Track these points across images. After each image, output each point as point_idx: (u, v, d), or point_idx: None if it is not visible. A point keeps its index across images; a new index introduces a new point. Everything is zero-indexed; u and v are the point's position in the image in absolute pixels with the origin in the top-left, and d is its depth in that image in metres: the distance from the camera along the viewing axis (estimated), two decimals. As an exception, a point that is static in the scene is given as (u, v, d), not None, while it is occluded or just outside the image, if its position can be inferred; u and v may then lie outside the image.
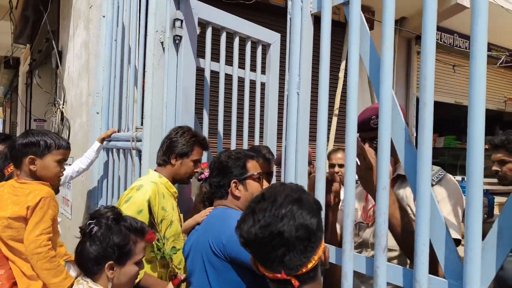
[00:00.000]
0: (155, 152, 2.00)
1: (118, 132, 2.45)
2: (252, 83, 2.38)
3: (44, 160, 1.54)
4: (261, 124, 2.44)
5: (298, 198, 0.76)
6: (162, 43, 2.05)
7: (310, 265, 0.75)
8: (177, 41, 1.98)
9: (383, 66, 0.94)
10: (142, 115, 2.15)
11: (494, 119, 8.82)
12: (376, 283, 0.92)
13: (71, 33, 3.36)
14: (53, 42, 3.67)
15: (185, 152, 1.65)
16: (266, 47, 2.44)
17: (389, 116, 0.93)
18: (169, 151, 1.66)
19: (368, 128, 1.28)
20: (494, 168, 1.87)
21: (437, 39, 5.90)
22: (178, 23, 1.94)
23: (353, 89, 1.01)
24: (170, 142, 1.67)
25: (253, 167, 1.35)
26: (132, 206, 1.50)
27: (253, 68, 2.39)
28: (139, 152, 2.16)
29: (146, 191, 1.54)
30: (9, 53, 6.09)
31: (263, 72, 2.43)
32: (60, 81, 3.65)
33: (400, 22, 5.43)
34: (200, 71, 2.18)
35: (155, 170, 1.72)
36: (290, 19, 1.22)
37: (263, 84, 2.43)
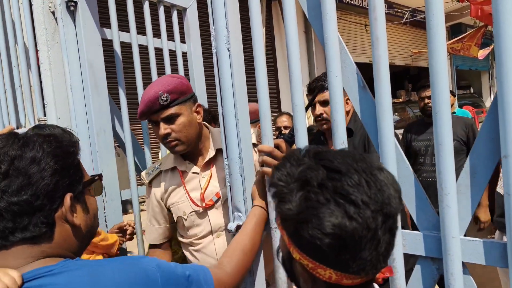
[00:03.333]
0: (66, 145, 1.69)
1: (17, 129, 2.04)
2: (172, 53, 2.12)
3: None
4: (189, 98, 2.21)
5: (379, 166, 0.55)
6: (53, 13, 1.69)
7: None
8: (71, 9, 1.63)
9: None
10: (44, 103, 1.79)
11: (402, 73, 9.62)
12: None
13: None
14: None
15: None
16: (182, 12, 2.17)
17: (338, 59, 0.81)
18: None
19: (158, 108, 1.14)
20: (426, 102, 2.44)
21: (347, 1, 6.07)
22: (69, -14, 1.60)
23: (292, 30, 0.86)
24: None
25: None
26: None
27: (170, 37, 2.12)
28: (46, 149, 1.81)
29: None
30: None
31: (182, 40, 2.17)
32: None
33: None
34: (108, 44, 1.86)
35: None
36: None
37: (184, 54, 2.18)
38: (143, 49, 2.00)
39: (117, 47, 1.83)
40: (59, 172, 0.64)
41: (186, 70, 2.18)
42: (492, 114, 0.68)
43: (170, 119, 1.15)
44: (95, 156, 1.65)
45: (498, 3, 0.62)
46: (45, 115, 1.81)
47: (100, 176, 0.74)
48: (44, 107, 1.79)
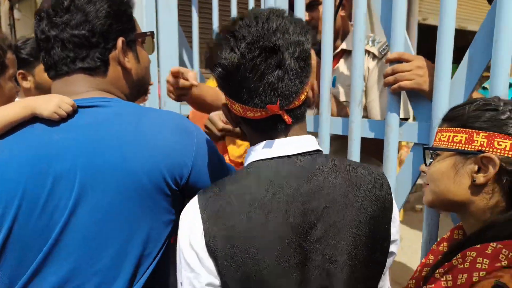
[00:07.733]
0: None
1: None
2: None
3: None
4: None
5: (286, 12, 0.61)
6: None
7: (302, 97, 0.61)
8: None
9: None
10: None
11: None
12: (350, 138, 0.95)
13: None
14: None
15: None
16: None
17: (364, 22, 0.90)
18: None
19: None
20: None
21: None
22: None
23: None
24: None
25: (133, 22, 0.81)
26: None
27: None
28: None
29: None
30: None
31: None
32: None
33: None
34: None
35: None
36: None
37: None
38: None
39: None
40: (112, 16, 0.73)
41: None
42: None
43: (311, 6, 1.10)
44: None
45: None
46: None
47: (152, 34, 0.83)
48: None
